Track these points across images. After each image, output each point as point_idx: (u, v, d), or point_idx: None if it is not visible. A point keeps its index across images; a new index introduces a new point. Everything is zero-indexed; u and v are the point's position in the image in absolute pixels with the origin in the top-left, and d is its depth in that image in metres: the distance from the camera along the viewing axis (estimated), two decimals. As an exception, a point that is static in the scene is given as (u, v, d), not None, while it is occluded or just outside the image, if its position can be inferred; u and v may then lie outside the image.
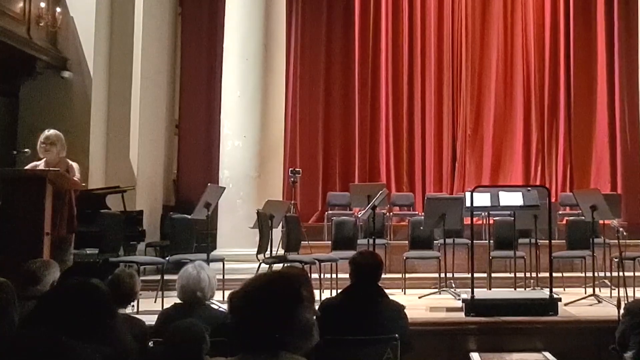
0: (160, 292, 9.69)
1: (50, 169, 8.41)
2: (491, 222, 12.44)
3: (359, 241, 11.90)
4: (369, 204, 10.69)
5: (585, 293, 10.25)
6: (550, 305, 8.71)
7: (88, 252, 10.62)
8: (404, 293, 11.06)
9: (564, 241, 11.92)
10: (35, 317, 3.64)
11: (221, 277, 8.99)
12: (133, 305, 6.98)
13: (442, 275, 11.27)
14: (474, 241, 9.91)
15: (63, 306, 3.55)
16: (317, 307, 5.62)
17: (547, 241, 9.69)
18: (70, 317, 3.48)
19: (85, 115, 13.16)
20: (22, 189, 8.21)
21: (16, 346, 3.20)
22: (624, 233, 10.14)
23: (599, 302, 9.84)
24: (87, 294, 3.71)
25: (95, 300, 3.71)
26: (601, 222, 11.29)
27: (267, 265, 9.90)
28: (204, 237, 10.81)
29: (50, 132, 8.80)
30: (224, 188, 11.24)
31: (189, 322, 4.81)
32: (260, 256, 10.23)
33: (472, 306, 8.67)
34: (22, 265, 5.90)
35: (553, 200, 12.17)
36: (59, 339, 3.21)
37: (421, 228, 11.76)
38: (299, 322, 2.75)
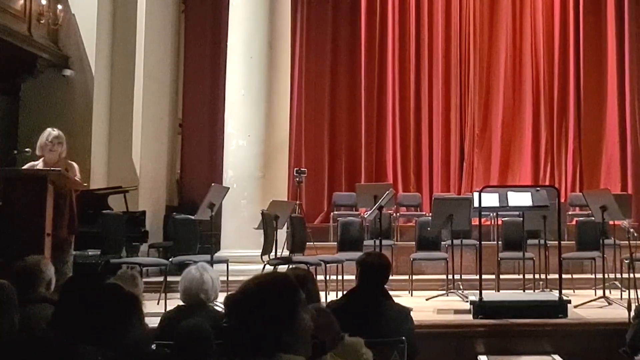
0: (163, 294, 9.61)
1: (52, 168, 8.33)
2: (499, 222, 12.39)
3: (365, 242, 11.87)
4: (375, 204, 10.63)
5: (595, 295, 10.20)
6: (559, 307, 8.66)
7: (90, 253, 10.58)
8: (411, 295, 11.01)
9: (574, 242, 11.90)
10: (56, 320, 3.58)
11: (225, 278, 8.88)
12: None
13: (450, 276, 11.18)
14: (482, 242, 9.93)
15: (90, 309, 3.49)
16: None
17: (557, 242, 9.67)
18: (94, 320, 3.41)
19: (87, 114, 13.09)
20: (22, 189, 8.16)
21: (15, 347, 3.14)
22: (635, 234, 10.14)
23: (609, 304, 9.81)
24: (117, 298, 3.66)
25: (125, 306, 3.66)
26: (611, 222, 11.12)
27: (272, 267, 9.82)
28: (207, 238, 10.74)
29: (57, 131, 8.74)
30: (228, 188, 11.15)
31: (195, 322, 4.72)
32: (265, 257, 10.16)
33: (480, 308, 8.63)
34: (14, 265, 5.75)
35: (562, 200, 12.14)
36: (61, 340, 3.12)
37: (428, 229, 11.73)
38: (297, 323, 2.73)
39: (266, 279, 2.85)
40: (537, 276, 11.27)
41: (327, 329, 3.50)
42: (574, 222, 12.52)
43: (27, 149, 9.34)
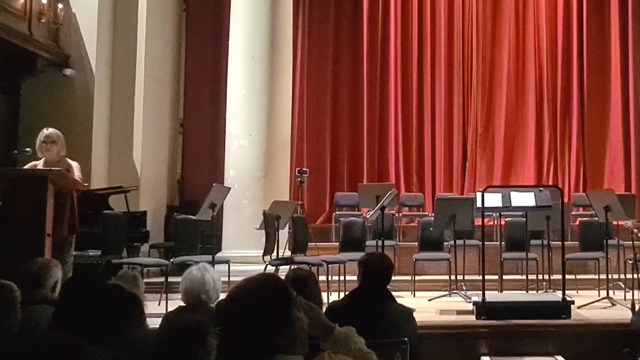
0: (164, 295, 9.59)
1: (52, 168, 8.30)
2: (502, 223, 12.35)
3: (368, 242, 11.85)
4: (377, 204, 10.61)
5: (599, 296, 10.19)
6: (563, 308, 8.64)
7: (90, 253, 10.54)
8: (414, 295, 10.99)
9: (577, 242, 11.87)
10: (56, 320, 3.55)
11: (226, 279, 8.87)
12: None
13: (453, 277, 11.13)
14: (485, 242, 9.91)
15: (90, 309, 3.45)
16: (324, 310, 5.54)
17: (560, 242, 9.62)
18: (95, 320, 3.37)
19: (88, 113, 13.03)
20: (23, 189, 8.09)
21: (19, 348, 3.04)
22: (639, 234, 10.02)
23: (613, 304, 9.81)
24: (119, 298, 3.62)
25: (126, 306, 3.62)
26: (615, 223, 11.18)
27: (274, 267, 9.79)
28: (209, 239, 10.70)
29: (50, 130, 8.72)
30: (230, 188, 11.12)
31: (193, 317, 4.67)
32: (267, 258, 10.14)
33: (483, 309, 8.61)
34: (23, 266, 5.74)
35: (566, 200, 12.03)
36: (68, 341, 3.08)
37: (431, 229, 11.72)
38: (292, 323, 2.72)
39: (256, 282, 2.82)
40: (540, 277, 11.21)
41: (316, 322, 3.44)
42: (577, 223, 12.49)
43: (27, 149, 9.31)
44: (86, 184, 10.09)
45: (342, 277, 10.66)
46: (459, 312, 9.34)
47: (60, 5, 12.76)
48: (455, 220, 10.86)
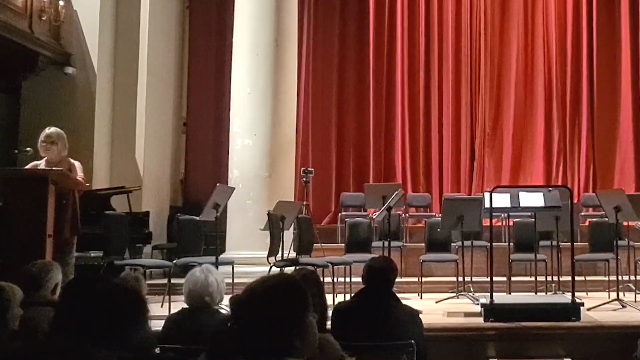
0: (167, 297, 9.51)
1: (53, 168, 8.28)
2: (511, 223, 12.30)
3: (374, 243, 11.81)
4: (384, 204, 10.59)
5: (609, 297, 10.05)
6: (572, 310, 8.57)
7: (92, 254, 10.55)
8: (421, 297, 10.93)
9: (587, 243, 11.77)
10: (57, 321, 3.47)
11: (230, 280, 8.78)
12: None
13: (460, 279, 11.06)
14: (493, 243, 9.83)
15: (93, 310, 3.36)
16: (329, 312, 5.48)
17: (569, 243, 9.59)
18: (98, 321, 3.28)
19: (89, 112, 13.01)
20: (23, 190, 8.07)
21: (22, 352, 3.06)
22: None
23: (623, 306, 9.68)
24: (122, 297, 3.54)
25: (128, 305, 3.53)
26: (625, 223, 11.13)
27: (278, 269, 9.70)
28: (212, 239, 10.70)
29: (51, 130, 8.67)
30: (234, 188, 11.09)
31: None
32: (271, 259, 10.06)
33: (491, 311, 8.54)
34: (22, 268, 5.69)
35: (575, 201, 12.04)
36: (74, 345, 3.00)
37: (438, 230, 11.64)
38: (305, 327, 2.70)
39: (277, 281, 2.79)
40: (549, 278, 11.15)
41: (325, 350, 3.35)
42: (587, 223, 12.43)
43: (28, 148, 9.33)
44: (88, 184, 10.04)
45: (347, 279, 10.56)
46: (467, 314, 9.30)
47: (61, 3, 12.69)
48: (463, 221, 10.79)
